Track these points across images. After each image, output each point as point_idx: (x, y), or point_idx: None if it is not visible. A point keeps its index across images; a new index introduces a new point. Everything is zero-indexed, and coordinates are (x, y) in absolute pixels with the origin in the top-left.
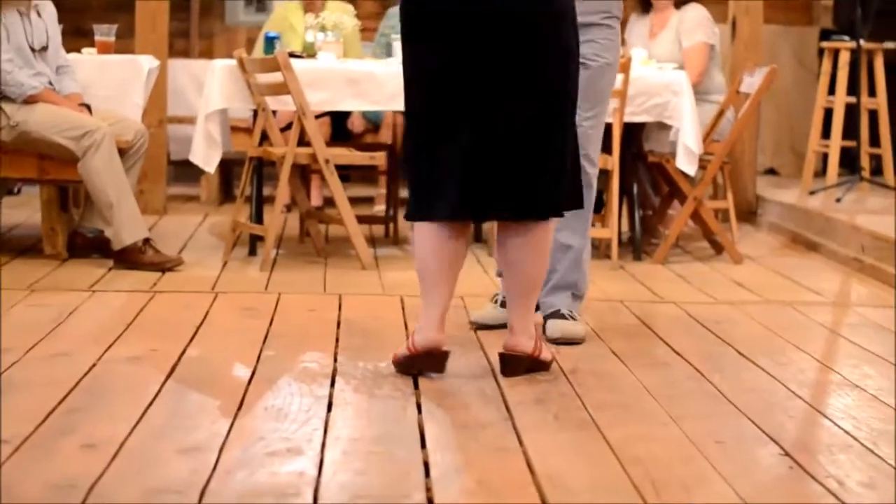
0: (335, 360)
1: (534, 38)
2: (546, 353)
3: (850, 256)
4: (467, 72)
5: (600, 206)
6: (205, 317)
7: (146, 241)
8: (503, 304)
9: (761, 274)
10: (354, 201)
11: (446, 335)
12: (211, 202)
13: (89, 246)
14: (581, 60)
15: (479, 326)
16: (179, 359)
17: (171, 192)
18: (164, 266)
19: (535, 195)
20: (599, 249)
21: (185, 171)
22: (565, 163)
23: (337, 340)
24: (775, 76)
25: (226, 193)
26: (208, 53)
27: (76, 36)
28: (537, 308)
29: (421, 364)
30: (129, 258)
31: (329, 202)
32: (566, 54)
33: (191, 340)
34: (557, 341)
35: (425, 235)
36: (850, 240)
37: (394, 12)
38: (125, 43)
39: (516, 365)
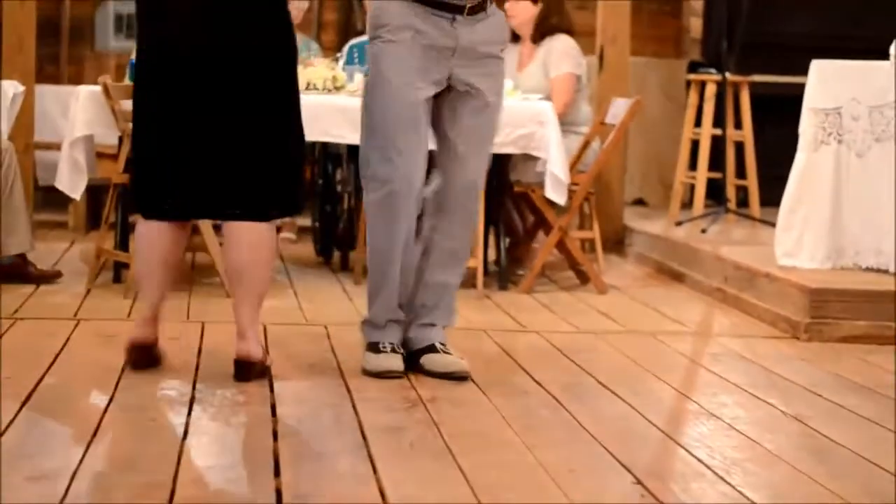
0: (194, 387)
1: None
2: (268, 359)
3: (714, 287)
4: (189, 80)
5: None
6: (65, 344)
7: None
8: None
9: (625, 304)
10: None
11: (158, 331)
12: (79, 228)
13: (6, 272)
14: (485, 100)
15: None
16: (36, 386)
17: (38, 217)
18: None
19: (259, 196)
20: (465, 279)
21: (53, 196)
22: (286, 166)
23: (197, 368)
24: (640, 107)
25: (94, 220)
26: (78, 79)
27: None
28: (405, 344)
29: (134, 356)
30: None
31: (195, 230)
32: (280, 64)
33: (49, 367)
34: (448, 376)
35: (145, 228)
36: (714, 270)
37: None
38: None
39: (249, 371)
